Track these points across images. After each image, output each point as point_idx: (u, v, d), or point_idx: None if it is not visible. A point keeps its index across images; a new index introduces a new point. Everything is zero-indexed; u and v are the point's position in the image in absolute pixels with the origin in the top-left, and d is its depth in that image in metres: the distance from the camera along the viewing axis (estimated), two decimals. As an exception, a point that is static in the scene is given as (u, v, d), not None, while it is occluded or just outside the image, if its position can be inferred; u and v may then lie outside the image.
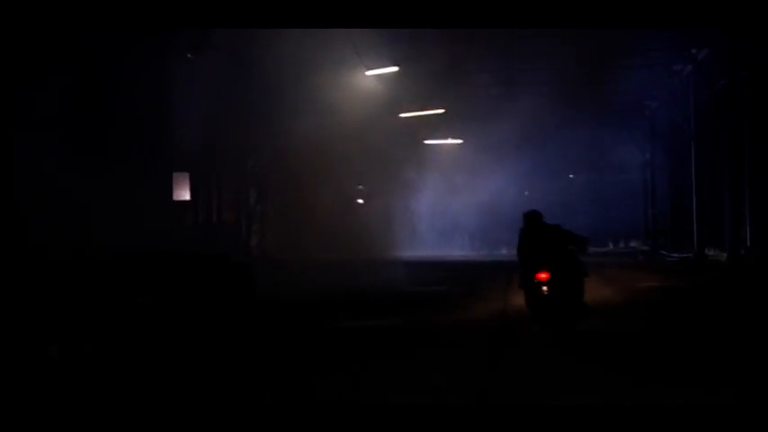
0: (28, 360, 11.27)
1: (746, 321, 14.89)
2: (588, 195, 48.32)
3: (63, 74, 20.81)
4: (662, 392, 8.89)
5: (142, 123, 24.65)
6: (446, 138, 44.73)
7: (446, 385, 9.55)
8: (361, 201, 42.18)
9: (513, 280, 14.70)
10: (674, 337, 13.14)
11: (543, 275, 12.07)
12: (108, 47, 21.82)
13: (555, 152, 46.33)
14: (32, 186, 19.80)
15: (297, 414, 8.34)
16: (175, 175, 30.99)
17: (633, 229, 48.74)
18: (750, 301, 18.39)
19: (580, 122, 42.94)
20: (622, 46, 31.09)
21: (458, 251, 46.00)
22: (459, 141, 45.28)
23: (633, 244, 48.79)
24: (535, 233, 12.65)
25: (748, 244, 28.01)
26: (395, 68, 32.16)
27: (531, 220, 12.82)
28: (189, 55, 25.87)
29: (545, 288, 12.04)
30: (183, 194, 33.24)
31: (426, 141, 45.64)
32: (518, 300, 13.98)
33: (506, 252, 44.09)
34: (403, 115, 38.55)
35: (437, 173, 43.83)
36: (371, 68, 32.46)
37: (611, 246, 48.61)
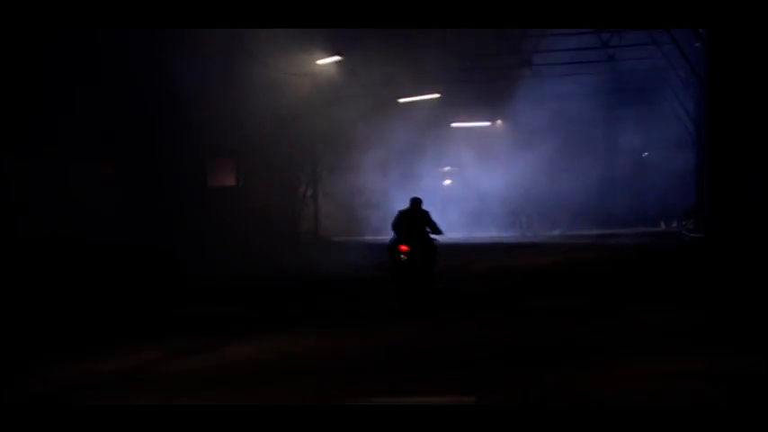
0: None
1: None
2: (634, 174, 48.62)
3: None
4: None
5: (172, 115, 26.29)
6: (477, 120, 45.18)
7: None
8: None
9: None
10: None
11: (404, 247, 15.26)
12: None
13: (597, 131, 46.81)
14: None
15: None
16: (219, 161, 32.69)
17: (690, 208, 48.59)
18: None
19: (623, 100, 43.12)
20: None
21: (506, 232, 46.55)
22: (488, 123, 45.92)
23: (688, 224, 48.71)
24: (409, 215, 15.62)
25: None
26: (338, 58, 32.39)
27: (413, 204, 15.76)
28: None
29: (403, 257, 15.22)
30: (228, 180, 34.78)
31: (454, 125, 45.99)
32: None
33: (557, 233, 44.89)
34: (402, 100, 38.43)
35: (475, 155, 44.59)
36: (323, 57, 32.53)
37: (662, 226, 48.67)
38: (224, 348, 12.03)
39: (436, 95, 38.40)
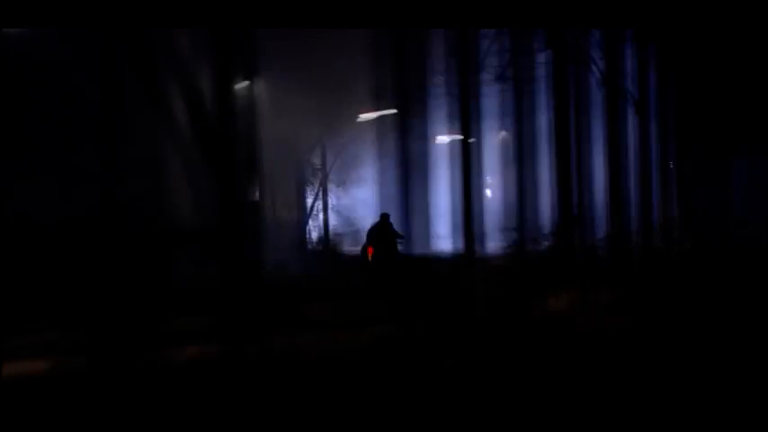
0: None
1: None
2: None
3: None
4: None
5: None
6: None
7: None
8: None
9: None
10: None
11: (370, 250, 21.12)
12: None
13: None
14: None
15: None
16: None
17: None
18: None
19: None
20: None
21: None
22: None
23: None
24: (379, 226, 21.09)
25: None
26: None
27: (383, 218, 21.37)
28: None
29: (370, 257, 20.73)
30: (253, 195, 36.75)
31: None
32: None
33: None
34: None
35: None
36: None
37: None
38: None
39: (393, 111, 39.19)
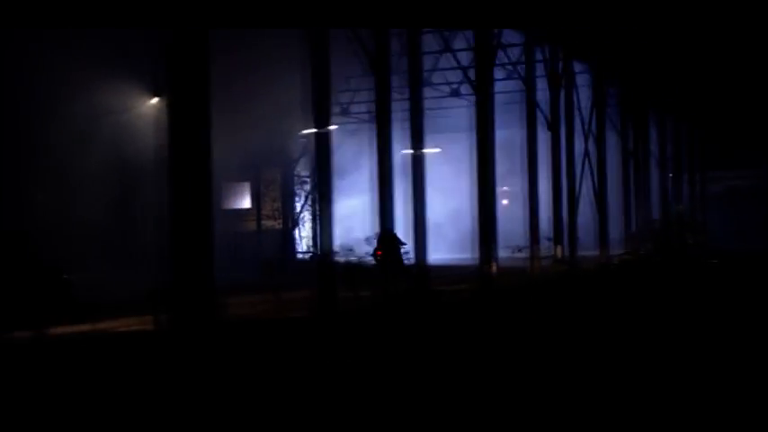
0: None
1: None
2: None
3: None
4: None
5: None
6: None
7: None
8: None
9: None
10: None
11: (378, 252, 24.64)
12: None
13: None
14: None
15: None
16: (235, 186, 36.14)
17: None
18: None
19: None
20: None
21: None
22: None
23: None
24: (386, 235, 24.79)
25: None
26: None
27: (387, 231, 24.91)
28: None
29: (379, 258, 24.51)
30: (244, 203, 38.18)
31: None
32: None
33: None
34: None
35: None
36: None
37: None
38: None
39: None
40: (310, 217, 43.80)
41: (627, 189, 36.57)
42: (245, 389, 10.24)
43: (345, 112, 41.29)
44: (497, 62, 29.23)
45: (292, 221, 43.13)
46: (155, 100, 27.00)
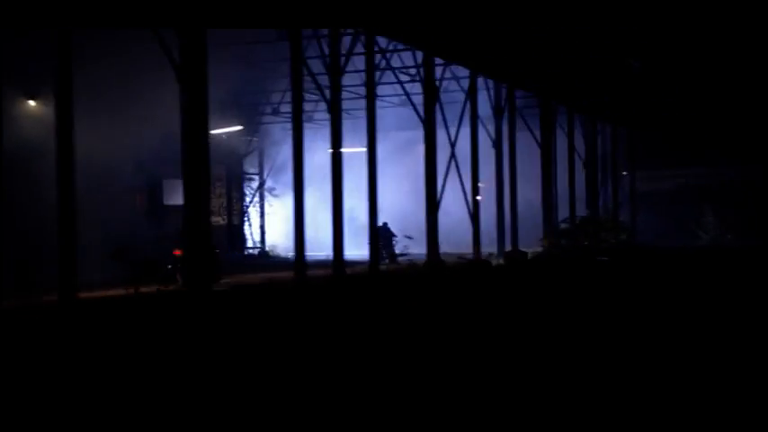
0: None
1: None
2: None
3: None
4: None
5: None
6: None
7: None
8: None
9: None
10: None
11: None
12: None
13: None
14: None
15: None
16: (170, 182, 36.30)
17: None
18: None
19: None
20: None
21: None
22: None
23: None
24: (382, 228, 28.24)
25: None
26: None
27: (384, 224, 29.04)
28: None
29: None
30: (177, 199, 38.27)
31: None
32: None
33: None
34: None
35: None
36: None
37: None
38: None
39: (239, 128, 39.12)
40: (258, 213, 44.75)
41: (548, 190, 37.01)
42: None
43: (276, 112, 41.82)
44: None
45: (239, 218, 43.63)
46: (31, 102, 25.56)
